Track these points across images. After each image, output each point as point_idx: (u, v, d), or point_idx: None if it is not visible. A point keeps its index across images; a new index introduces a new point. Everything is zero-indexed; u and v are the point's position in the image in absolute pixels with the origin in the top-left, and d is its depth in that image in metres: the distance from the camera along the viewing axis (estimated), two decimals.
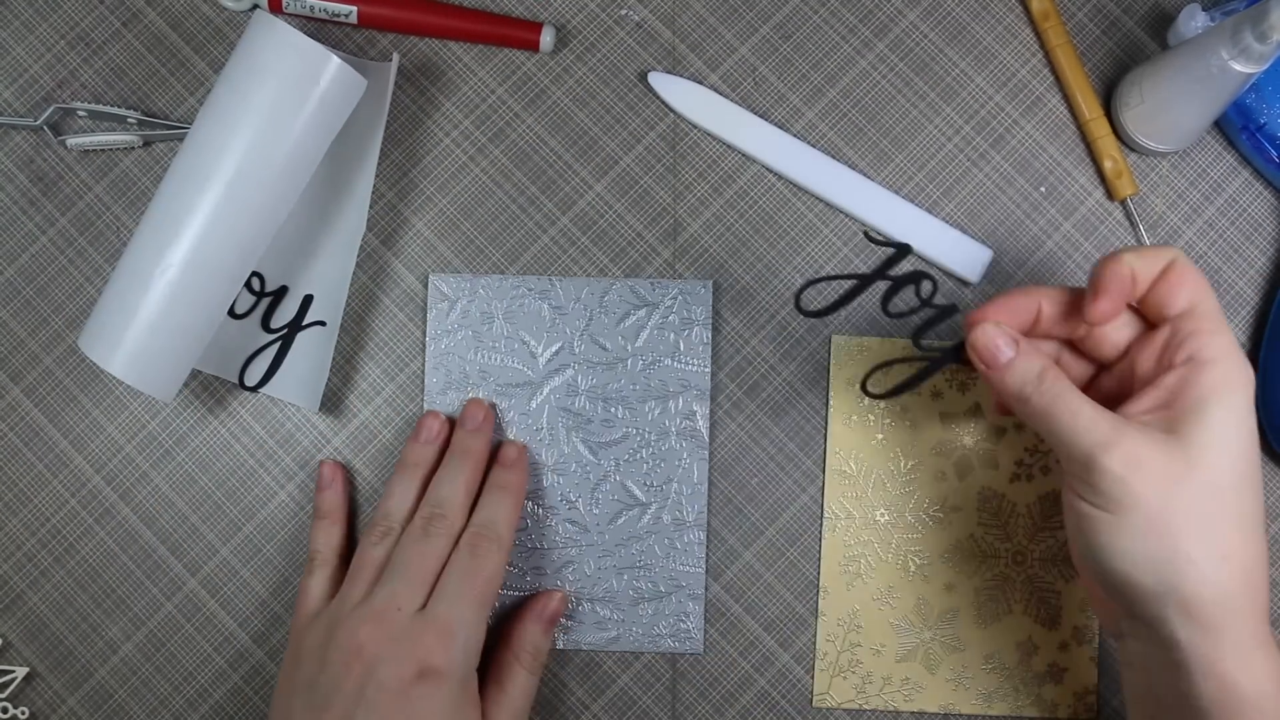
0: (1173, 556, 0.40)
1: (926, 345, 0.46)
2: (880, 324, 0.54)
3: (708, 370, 0.54)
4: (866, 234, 0.47)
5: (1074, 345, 0.47)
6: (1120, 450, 0.40)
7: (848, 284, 0.46)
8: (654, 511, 0.54)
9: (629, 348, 0.54)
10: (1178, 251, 0.43)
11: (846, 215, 0.55)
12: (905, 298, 0.45)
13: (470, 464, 0.52)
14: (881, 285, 0.45)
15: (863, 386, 0.48)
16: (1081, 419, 0.41)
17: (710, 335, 0.54)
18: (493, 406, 0.54)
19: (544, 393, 0.54)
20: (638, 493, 0.54)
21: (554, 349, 0.54)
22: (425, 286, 0.55)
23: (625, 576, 0.54)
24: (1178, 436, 0.41)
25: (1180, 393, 0.41)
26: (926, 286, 0.45)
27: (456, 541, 0.50)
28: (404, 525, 0.50)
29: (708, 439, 0.54)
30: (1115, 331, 0.45)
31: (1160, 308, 0.43)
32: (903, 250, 0.45)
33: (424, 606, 0.47)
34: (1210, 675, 0.40)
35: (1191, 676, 0.40)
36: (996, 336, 0.44)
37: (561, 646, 0.54)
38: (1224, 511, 0.40)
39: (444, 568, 0.49)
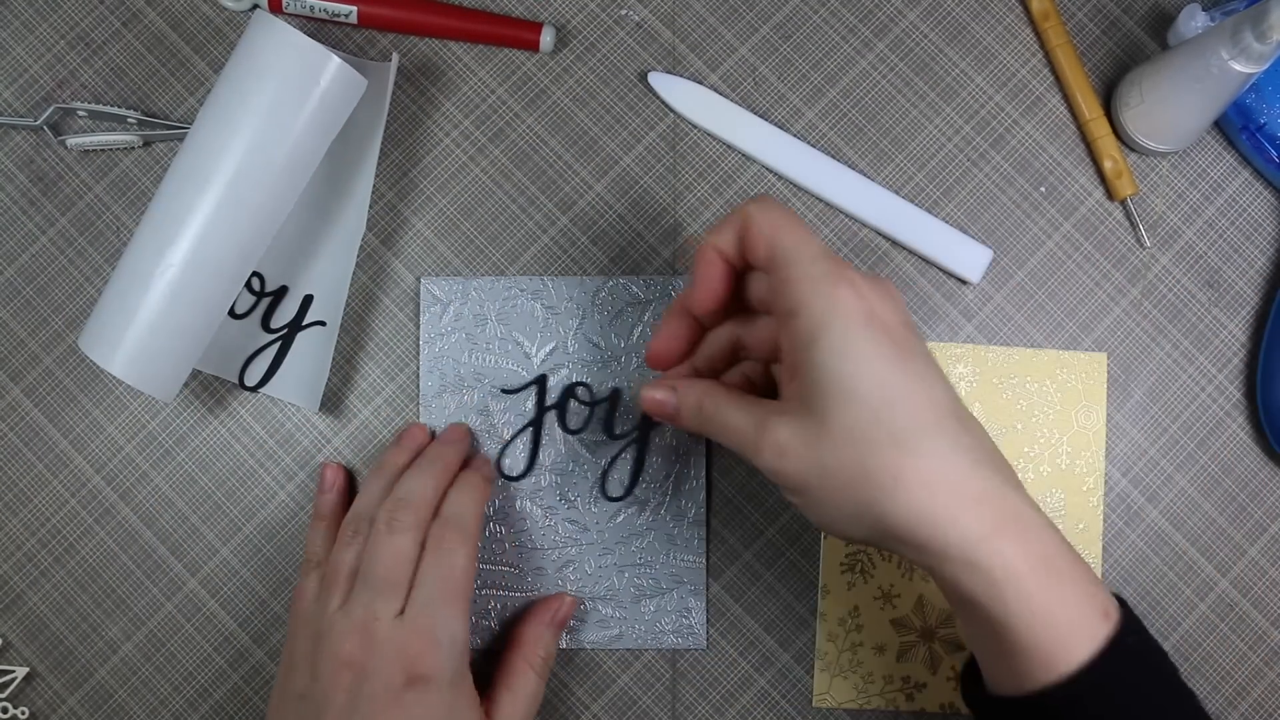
0: (858, 510, 0.39)
1: (622, 433, 0.53)
2: None
3: None
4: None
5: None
6: (764, 446, 0.40)
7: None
8: (653, 508, 0.54)
9: (622, 345, 0.54)
10: (753, 206, 0.41)
11: (846, 215, 0.55)
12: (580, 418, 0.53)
13: (440, 465, 0.51)
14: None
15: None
16: (733, 431, 0.42)
17: None
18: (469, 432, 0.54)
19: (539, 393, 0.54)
20: (636, 490, 0.54)
21: (548, 349, 0.54)
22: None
23: (626, 574, 0.54)
24: (802, 400, 0.39)
25: (787, 353, 0.40)
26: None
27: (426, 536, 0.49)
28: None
29: None
30: (760, 293, 0.43)
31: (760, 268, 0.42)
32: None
33: (402, 610, 0.46)
34: (953, 585, 0.39)
35: (946, 588, 0.40)
36: (654, 394, 0.46)
37: (564, 646, 0.54)
38: (877, 445, 0.38)
39: (416, 566, 0.48)
